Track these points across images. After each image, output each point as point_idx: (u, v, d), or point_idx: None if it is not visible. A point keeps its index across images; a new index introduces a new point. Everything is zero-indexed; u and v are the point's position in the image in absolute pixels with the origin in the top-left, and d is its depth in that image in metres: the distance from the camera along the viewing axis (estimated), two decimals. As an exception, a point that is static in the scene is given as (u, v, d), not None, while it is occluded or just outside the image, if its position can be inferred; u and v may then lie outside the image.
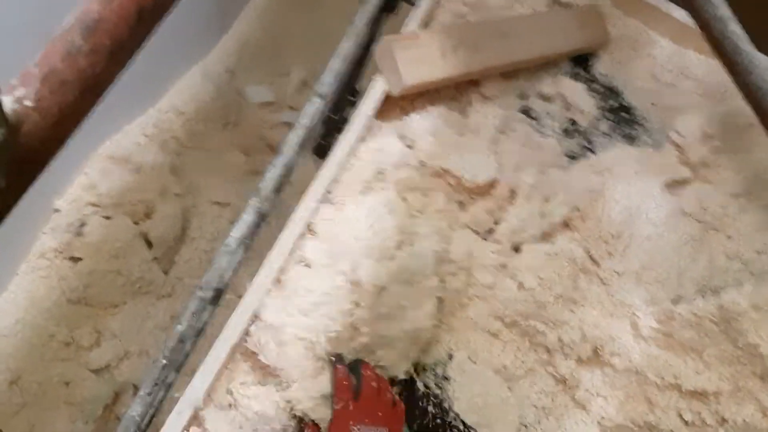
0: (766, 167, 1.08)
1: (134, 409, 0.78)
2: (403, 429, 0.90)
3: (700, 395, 0.93)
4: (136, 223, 1.44)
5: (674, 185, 1.11)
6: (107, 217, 1.41)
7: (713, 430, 0.92)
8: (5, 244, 1.25)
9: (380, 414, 0.86)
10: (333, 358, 0.89)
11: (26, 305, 1.29)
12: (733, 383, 0.93)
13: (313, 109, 0.99)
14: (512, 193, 1.04)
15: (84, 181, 1.41)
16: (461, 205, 1.05)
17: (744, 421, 0.92)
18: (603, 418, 0.97)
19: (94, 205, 1.41)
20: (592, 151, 1.17)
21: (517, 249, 1.05)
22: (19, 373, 1.24)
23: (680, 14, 1.27)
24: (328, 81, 1.02)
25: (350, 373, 0.88)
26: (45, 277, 1.33)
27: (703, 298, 0.97)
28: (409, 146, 1.04)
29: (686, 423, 0.93)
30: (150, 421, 0.81)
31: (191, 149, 1.61)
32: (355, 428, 0.84)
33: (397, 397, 0.91)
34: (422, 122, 1.05)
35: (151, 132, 1.54)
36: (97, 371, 1.32)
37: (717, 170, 1.10)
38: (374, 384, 0.88)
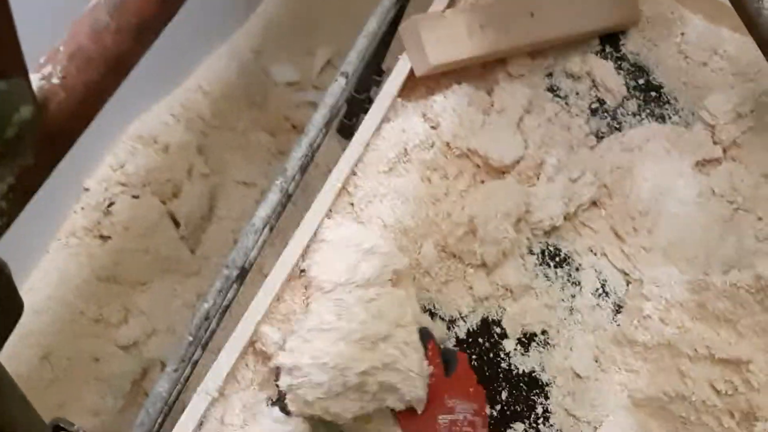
0: (800, 148, 1.06)
1: (161, 386, 0.79)
2: (486, 408, 0.92)
3: (732, 364, 0.92)
4: (163, 202, 1.46)
5: (705, 164, 1.10)
6: (135, 197, 1.43)
7: (745, 397, 0.90)
8: (37, 222, 1.27)
9: (471, 390, 0.90)
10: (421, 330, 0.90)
11: (57, 282, 1.32)
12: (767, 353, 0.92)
13: (337, 89, 0.99)
14: (537, 173, 1.03)
15: (113, 161, 1.42)
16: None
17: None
18: (633, 390, 0.96)
19: (122, 184, 1.42)
20: (620, 131, 1.15)
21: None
22: (50, 349, 1.26)
23: (713, -9, 1.24)
24: (353, 60, 1.02)
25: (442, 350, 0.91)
26: (75, 255, 1.35)
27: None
28: (433, 127, 1.04)
29: (718, 392, 0.92)
30: (177, 397, 0.82)
31: (217, 129, 1.62)
32: (449, 401, 0.87)
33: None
34: (447, 102, 1.04)
35: (177, 112, 1.55)
36: (125, 348, 1.34)
37: (749, 150, 1.08)
38: (465, 362, 0.92)
